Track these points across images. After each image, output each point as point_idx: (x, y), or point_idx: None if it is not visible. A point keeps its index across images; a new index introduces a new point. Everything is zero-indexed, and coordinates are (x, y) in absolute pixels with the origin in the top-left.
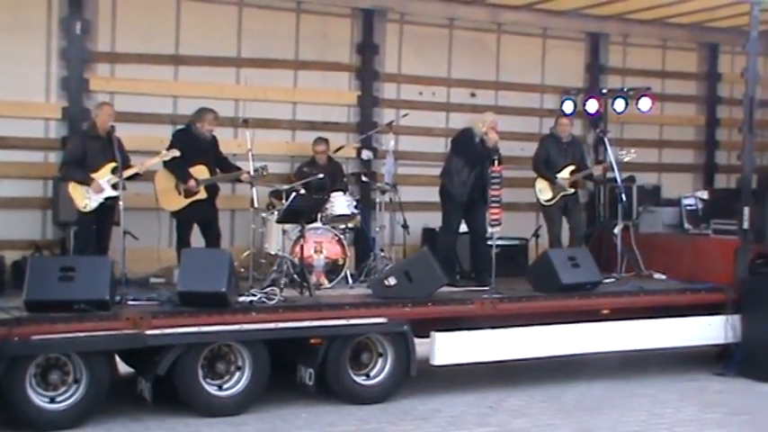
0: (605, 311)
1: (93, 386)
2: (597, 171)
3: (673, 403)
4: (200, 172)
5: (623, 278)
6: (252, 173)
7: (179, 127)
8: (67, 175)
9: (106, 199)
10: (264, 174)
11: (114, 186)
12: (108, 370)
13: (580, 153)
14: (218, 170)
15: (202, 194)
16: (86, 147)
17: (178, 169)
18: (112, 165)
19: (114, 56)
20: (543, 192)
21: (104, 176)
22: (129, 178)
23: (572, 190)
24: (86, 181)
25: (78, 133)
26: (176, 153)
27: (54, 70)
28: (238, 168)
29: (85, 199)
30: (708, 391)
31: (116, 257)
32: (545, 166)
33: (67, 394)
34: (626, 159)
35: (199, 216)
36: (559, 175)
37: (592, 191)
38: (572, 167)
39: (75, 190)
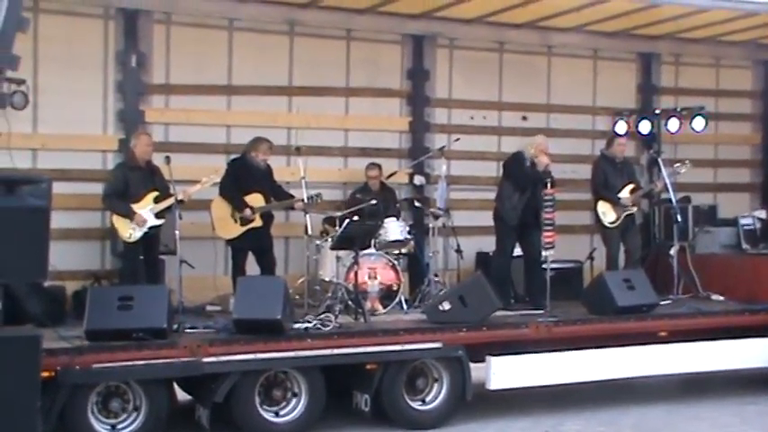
0: (662, 334)
1: (153, 414)
2: (657, 187)
3: (734, 427)
4: (255, 200)
5: (680, 300)
6: (306, 200)
7: (233, 156)
8: (110, 208)
9: (150, 228)
10: (318, 201)
11: (158, 215)
12: (167, 397)
13: (633, 172)
14: (272, 198)
15: (258, 222)
16: (127, 178)
17: (234, 198)
18: (154, 194)
19: (169, 87)
20: (607, 214)
21: (147, 206)
22: (173, 207)
23: (634, 209)
24: (129, 215)
25: (118, 165)
26: (216, 179)
27: (110, 103)
28: (292, 196)
29: (129, 229)
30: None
31: (173, 286)
32: (605, 187)
33: (128, 422)
34: (682, 171)
35: (254, 244)
36: (621, 195)
37: (646, 212)
38: (631, 186)
39: (118, 221)
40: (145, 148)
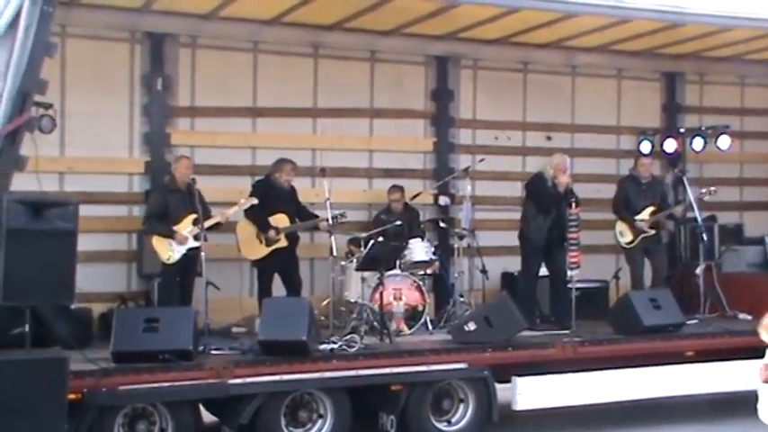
0: (689, 354)
1: None
2: (678, 211)
3: None
4: (280, 221)
5: (707, 319)
6: (330, 221)
7: (258, 178)
8: (151, 229)
9: (189, 250)
10: (342, 221)
11: (196, 237)
12: (193, 419)
13: (661, 193)
14: (297, 219)
15: (283, 243)
16: (167, 200)
17: (259, 219)
18: (193, 216)
19: (194, 110)
20: (623, 234)
21: (186, 228)
22: (211, 228)
23: (652, 231)
24: (170, 234)
25: (159, 187)
26: (254, 201)
27: (137, 126)
28: (316, 216)
29: (169, 251)
30: None
31: (199, 308)
32: (625, 207)
33: None
34: (707, 198)
35: (280, 265)
36: (638, 217)
37: (673, 231)
38: (652, 208)
39: (158, 243)
40: (185, 171)
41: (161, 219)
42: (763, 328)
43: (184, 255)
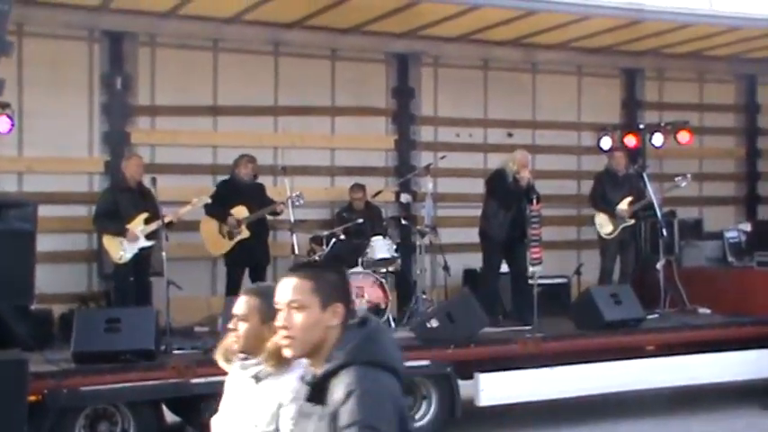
0: (650, 348)
1: None
2: (656, 200)
3: None
4: (239, 212)
5: (667, 314)
6: (287, 201)
7: (222, 178)
8: (101, 228)
9: (141, 249)
10: (301, 201)
11: (148, 237)
12: (155, 419)
13: (637, 185)
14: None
15: (245, 234)
16: (117, 199)
17: (217, 212)
18: (144, 215)
19: (154, 109)
20: (603, 226)
21: (137, 227)
22: (167, 227)
23: (632, 221)
24: (120, 232)
25: (109, 186)
26: (207, 200)
27: (96, 125)
28: (274, 202)
29: (120, 251)
30: (757, 427)
31: (160, 307)
32: (602, 200)
33: None
34: (683, 184)
35: (246, 258)
36: (618, 207)
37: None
38: (630, 198)
39: (109, 242)
40: (136, 169)
41: (111, 218)
42: (220, 353)
43: (136, 254)
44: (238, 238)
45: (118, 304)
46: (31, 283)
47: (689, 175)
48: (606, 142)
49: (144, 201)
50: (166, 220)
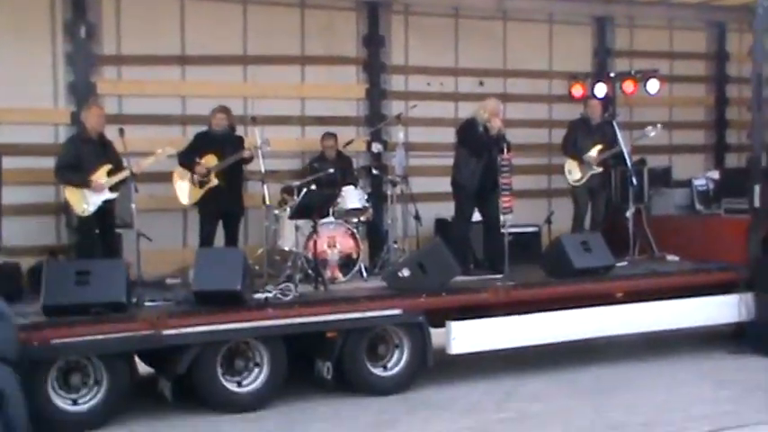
0: (619, 295)
1: (114, 387)
2: (623, 150)
3: (689, 382)
4: (209, 161)
5: (636, 261)
6: (256, 147)
7: (191, 129)
8: (64, 180)
9: (104, 202)
10: (267, 148)
11: (111, 189)
12: (128, 371)
13: (611, 134)
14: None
15: (214, 182)
16: (79, 151)
17: (188, 161)
18: (107, 167)
19: (120, 58)
20: (572, 172)
21: (100, 179)
22: (125, 180)
23: (600, 169)
24: (84, 184)
25: (70, 138)
26: (171, 151)
27: (61, 75)
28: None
29: (84, 204)
30: (724, 369)
31: (131, 260)
32: (573, 147)
33: (89, 396)
34: (652, 134)
35: (218, 207)
36: (587, 154)
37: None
38: (600, 146)
39: (72, 194)
40: (96, 120)
41: (74, 170)
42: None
43: (100, 207)
44: (208, 186)
45: (84, 257)
46: None
47: (659, 125)
48: (577, 90)
49: (106, 152)
50: (126, 173)
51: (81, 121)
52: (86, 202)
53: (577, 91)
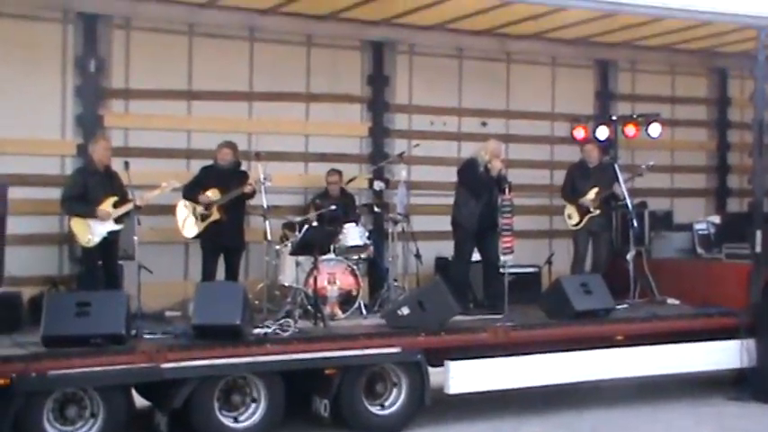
0: (619, 338)
1: (111, 420)
2: (619, 191)
3: (689, 429)
4: (212, 194)
5: (636, 304)
6: (260, 180)
7: (196, 163)
8: (70, 210)
9: (109, 233)
10: (268, 183)
11: (116, 220)
12: (125, 404)
13: (609, 177)
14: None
15: (216, 215)
16: (86, 182)
17: (191, 194)
18: (113, 199)
19: (128, 92)
20: (571, 217)
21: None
22: (129, 213)
23: (597, 211)
24: (91, 214)
25: (77, 169)
26: (176, 184)
27: (69, 107)
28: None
29: (88, 234)
30: (724, 415)
31: (131, 291)
32: (572, 191)
33: (84, 429)
34: (644, 173)
35: (219, 241)
36: (584, 197)
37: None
38: (597, 189)
39: (77, 226)
40: (103, 153)
41: (80, 201)
42: None
43: (105, 238)
44: (210, 220)
45: (86, 288)
46: (0, 265)
47: (651, 163)
48: (579, 133)
49: (112, 184)
50: (131, 205)
51: (88, 153)
52: (91, 232)
53: (579, 133)
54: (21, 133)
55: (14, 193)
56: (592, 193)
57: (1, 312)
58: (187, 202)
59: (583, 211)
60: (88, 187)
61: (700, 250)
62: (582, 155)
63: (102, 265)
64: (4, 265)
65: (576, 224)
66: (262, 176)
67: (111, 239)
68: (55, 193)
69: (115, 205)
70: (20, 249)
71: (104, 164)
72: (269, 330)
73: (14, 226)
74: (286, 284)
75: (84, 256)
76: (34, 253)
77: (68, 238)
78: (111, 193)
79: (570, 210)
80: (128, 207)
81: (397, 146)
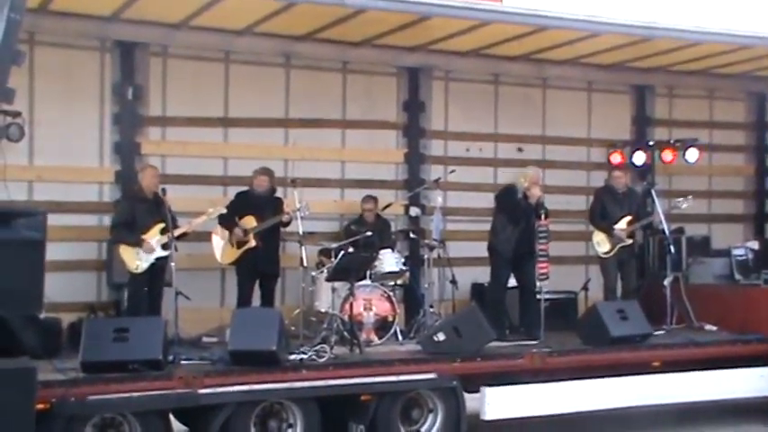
0: (656, 364)
1: None
2: (654, 220)
3: None
4: (248, 222)
5: (674, 330)
6: (296, 209)
7: (232, 189)
8: (118, 238)
9: (157, 259)
10: (306, 212)
11: (164, 247)
12: (163, 429)
13: (637, 204)
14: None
15: (252, 243)
16: (135, 209)
17: (228, 221)
18: (161, 225)
19: (165, 119)
20: (601, 244)
21: (154, 237)
22: (179, 238)
23: (630, 241)
24: (137, 243)
25: (126, 197)
26: (222, 210)
27: (107, 135)
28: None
29: (136, 261)
30: None
31: (169, 317)
32: (602, 217)
33: None
34: (683, 206)
35: (255, 268)
36: (617, 226)
37: (642, 243)
38: (629, 218)
39: (125, 252)
40: (151, 180)
41: (128, 228)
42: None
43: (152, 264)
44: (246, 247)
45: (131, 314)
46: (40, 292)
47: (690, 197)
48: (616, 158)
49: (160, 210)
50: (182, 230)
51: (137, 180)
52: (139, 258)
53: (616, 159)
54: (59, 161)
55: (53, 219)
56: (623, 223)
57: (41, 338)
58: (222, 229)
59: (614, 240)
60: (136, 214)
61: (738, 276)
62: (610, 181)
63: (148, 292)
64: (43, 292)
65: (607, 252)
66: (299, 205)
67: (158, 266)
68: (93, 220)
69: (163, 231)
70: (59, 276)
71: (152, 191)
72: (305, 356)
73: (53, 252)
74: (322, 310)
75: (130, 281)
76: (73, 279)
77: (106, 265)
78: (159, 220)
79: (599, 237)
80: (178, 232)
81: (433, 172)
